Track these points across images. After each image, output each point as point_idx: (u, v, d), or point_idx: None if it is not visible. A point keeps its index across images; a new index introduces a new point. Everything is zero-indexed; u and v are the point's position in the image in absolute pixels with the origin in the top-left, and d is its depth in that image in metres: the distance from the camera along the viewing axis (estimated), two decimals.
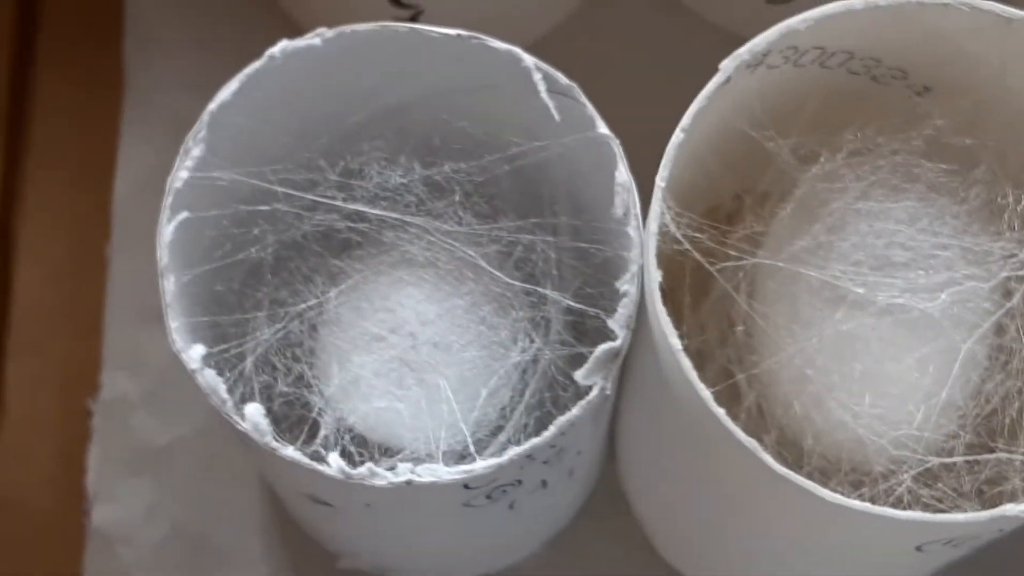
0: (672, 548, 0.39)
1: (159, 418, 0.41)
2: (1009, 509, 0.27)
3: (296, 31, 0.43)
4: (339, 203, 0.31)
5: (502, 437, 0.30)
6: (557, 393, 0.31)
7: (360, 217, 0.31)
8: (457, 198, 0.31)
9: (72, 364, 0.41)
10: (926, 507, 0.29)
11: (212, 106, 0.31)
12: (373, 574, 0.39)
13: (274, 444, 0.28)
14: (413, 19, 0.40)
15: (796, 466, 0.30)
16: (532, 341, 0.31)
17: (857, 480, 0.30)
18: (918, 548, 0.30)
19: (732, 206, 0.34)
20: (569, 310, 0.31)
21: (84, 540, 0.40)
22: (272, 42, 0.44)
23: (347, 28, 0.31)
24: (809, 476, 0.29)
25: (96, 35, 0.43)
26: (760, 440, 0.29)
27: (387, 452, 0.31)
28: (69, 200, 0.42)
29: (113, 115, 0.43)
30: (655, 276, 0.28)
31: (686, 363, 0.28)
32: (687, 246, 0.29)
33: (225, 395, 0.29)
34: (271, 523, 0.40)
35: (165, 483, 0.40)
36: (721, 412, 0.27)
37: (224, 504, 0.40)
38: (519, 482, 0.30)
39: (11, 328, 0.41)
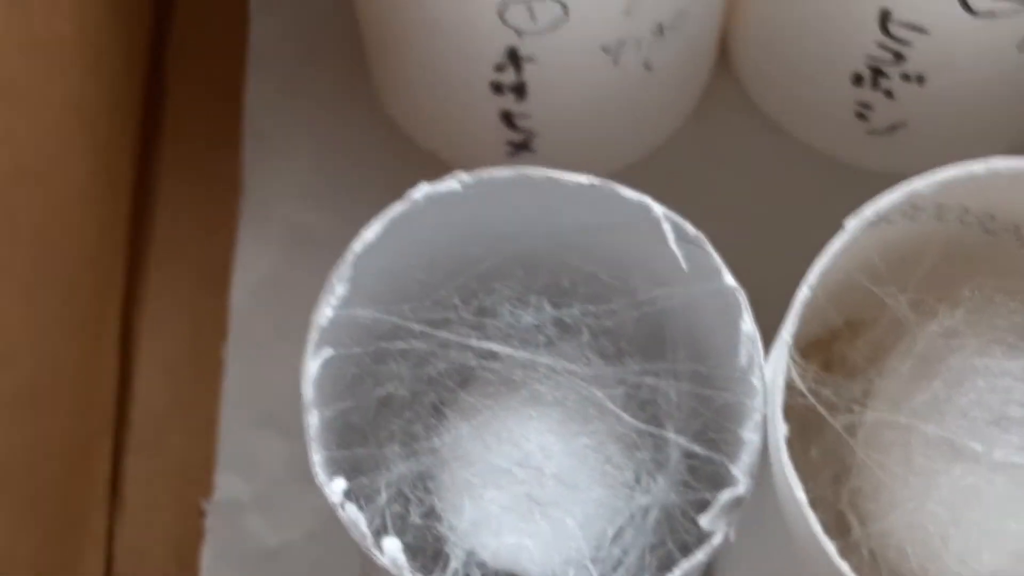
0: None
1: (270, 521, 0.42)
2: None
3: (405, 142, 0.45)
4: (472, 342, 0.32)
5: (623, 573, 0.32)
6: (678, 534, 0.32)
7: (491, 355, 0.33)
8: (585, 339, 0.33)
9: (187, 463, 0.43)
10: None
11: (357, 247, 0.32)
12: None
13: None
14: (526, 142, 0.41)
15: None
16: (654, 482, 0.32)
17: None
18: None
19: (838, 339, 0.35)
20: (690, 453, 0.32)
21: None
22: (381, 149, 0.46)
23: (486, 173, 0.32)
24: None
25: (217, 139, 0.45)
26: None
27: None
28: (187, 301, 0.44)
29: (232, 219, 0.44)
30: (781, 429, 0.30)
31: (812, 517, 0.29)
32: (811, 400, 0.30)
33: (366, 530, 0.30)
34: None
35: None
36: (845, 566, 0.29)
37: None
38: None
39: (130, 425, 0.43)
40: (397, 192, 0.45)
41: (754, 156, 0.44)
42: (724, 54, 0.44)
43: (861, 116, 0.41)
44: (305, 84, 0.45)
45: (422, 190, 0.32)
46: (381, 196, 0.45)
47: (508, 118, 0.40)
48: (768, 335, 0.33)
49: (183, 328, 0.44)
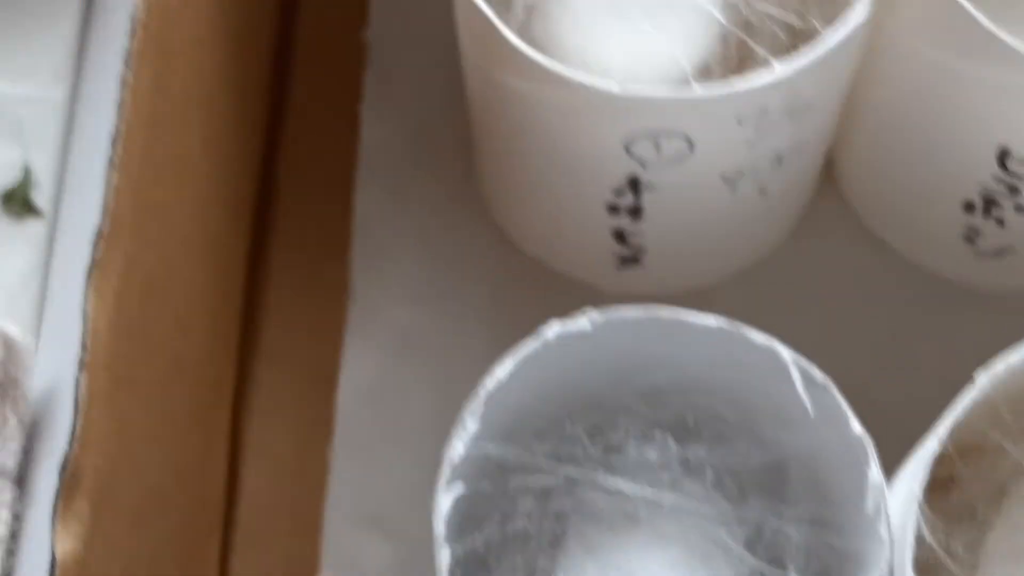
0: None
1: None
2: None
3: (512, 247, 0.46)
4: (599, 479, 0.33)
5: None
6: None
7: (617, 492, 0.33)
8: (709, 478, 0.33)
9: (293, 562, 0.43)
10: None
11: (489, 385, 0.33)
12: None
13: None
14: (635, 256, 0.42)
15: None
16: None
17: None
18: None
19: (947, 462, 0.36)
20: None
21: None
22: (488, 254, 0.46)
23: (615, 312, 0.33)
24: None
25: (326, 243, 0.46)
26: None
27: None
28: (295, 403, 0.45)
29: (340, 322, 0.45)
30: None
31: None
32: (940, 552, 0.30)
33: None
34: None
35: None
36: None
37: None
38: None
39: (237, 524, 0.44)
40: (502, 297, 0.46)
41: (857, 270, 0.45)
42: (829, 170, 0.45)
43: (969, 240, 0.41)
44: (414, 189, 0.46)
45: (553, 329, 0.33)
46: (486, 301, 0.46)
47: (620, 235, 0.41)
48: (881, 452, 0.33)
49: (290, 429, 0.44)
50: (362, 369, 0.45)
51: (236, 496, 0.44)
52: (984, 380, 0.31)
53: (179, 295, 0.39)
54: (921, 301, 0.44)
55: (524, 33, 0.36)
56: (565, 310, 0.45)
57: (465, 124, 0.46)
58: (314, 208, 0.46)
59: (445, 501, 0.32)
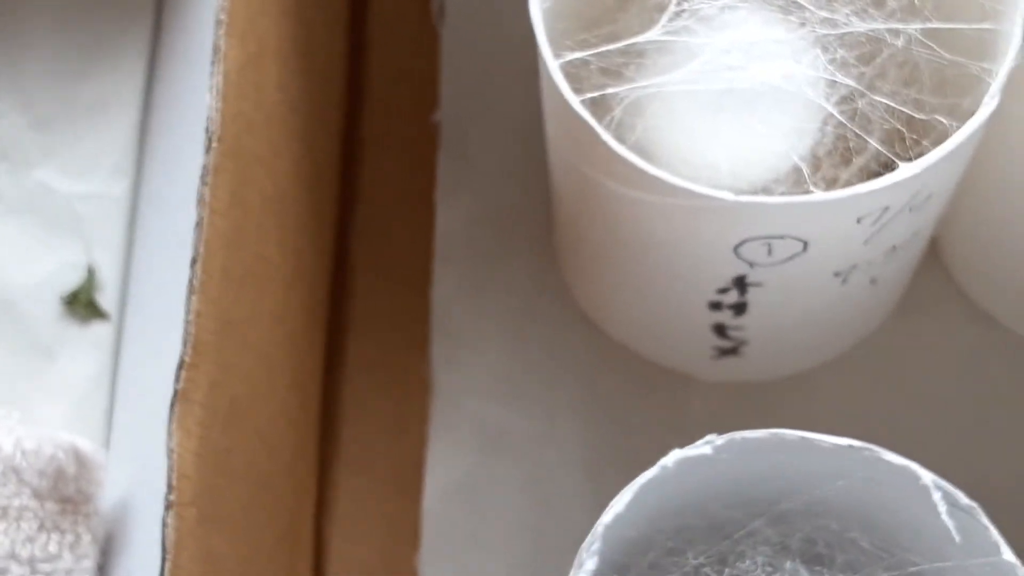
0: None
1: None
2: None
3: (599, 334, 0.44)
4: None
5: None
6: None
7: None
8: None
9: None
10: None
11: (606, 518, 0.30)
12: None
13: None
14: (735, 348, 0.40)
15: None
16: None
17: None
18: None
19: None
20: None
21: None
22: (574, 344, 0.44)
23: (737, 435, 0.31)
24: None
25: (404, 335, 0.44)
26: None
27: None
28: (378, 506, 0.43)
29: (421, 420, 0.43)
30: None
31: None
32: None
33: None
34: None
35: None
36: None
37: None
38: None
39: None
40: (591, 388, 0.44)
41: (963, 345, 0.42)
42: (932, 244, 0.42)
43: None
44: (494, 276, 0.44)
45: (673, 457, 0.31)
46: (574, 392, 0.44)
47: (721, 330, 0.39)
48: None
49: (375, 535, 0.42)
50: (447, 469, 0.42)
51: None
52: None
53: (262, 412, 0.37)
54: None
55: (620, 129, 0.34)
56: (660, 400, 0.43)
57: (544, 207, 0.44)
58: (390, 301, 0.44)
59: None
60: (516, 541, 0.42)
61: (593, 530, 0.31)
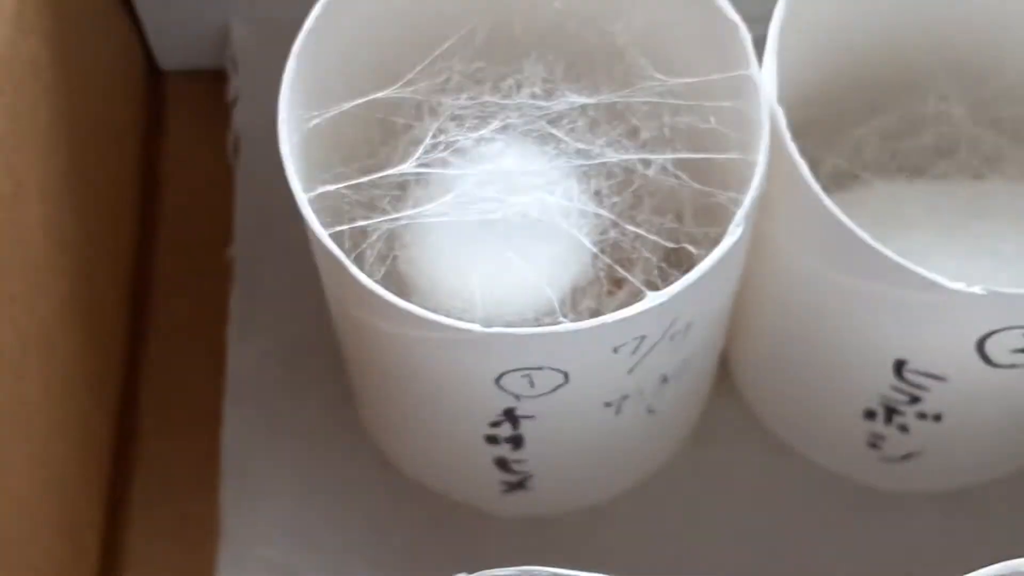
0: None
1: None
2: None
3: (395, 473, 0.43)
4: None
5: None
6: None
7: None
8: None
9: None
10: None
11: None
12: None
13: None
14: (521, 483, 0.39)
15: None
16: None
17: None
18: None
19: None
20: None
21: None
22: (369, 484, 0.43)
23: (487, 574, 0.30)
24: None
25: (192, 478, 0.42)
26: None
27: None
28: None
29: (209, 566, 0.41)
30: None
31: None
32: None
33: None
34: None
35: None
36: None
37: None
38: None
39: None
40: (385, 526, 0.43)
41: (758, 475, 0.42)
42: (725, 373, 0.42)
43: (873, 445, 0.39)
44: (287, 416, 0.43)
45: None
46: (368, 530, 0.43)
47: (504, 464, 0.38)
48: None
49: None
50: None
51: None
52: None
53: (20, 560, 0.36)
54: (827, 504, 0.42)
55: (378, 264, 0.33)
56: (454, 538, 0.42)
57: (338, 343, 0.43)
58: (179, 442, 0.43)
59: None
60: None
61: None
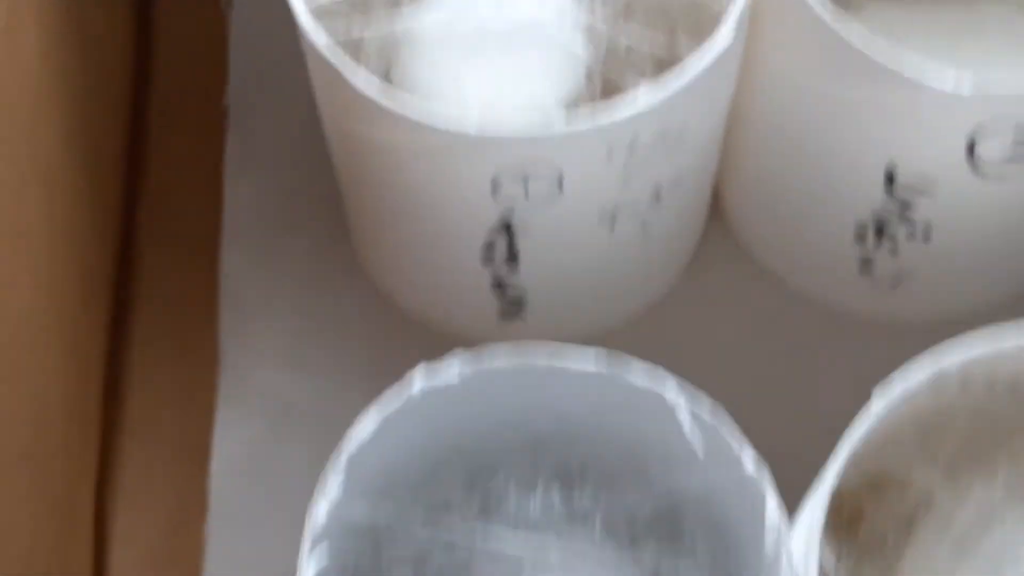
0: None
1: None
2: None
3: (389, 305, 0.43)
4: (478, 540, 0.30)
5: None
6: None
7: (499, 547, 0.31)
8: (598, 527, 0.31)
9: None
10: None
11: (351, 447, 0.30)
12: None
13: None
14: (517, 308, 0.40)
15: None
16: None
17: None
18: None
19: (853, 496, 0.33)
20: None
21: None
22: (364, 313, 0.44)
23: (485, 363, 0.31)
24: None
25: (192, 309, 0.43)
26: None
27: None
28: (164, 479, 0.42)
29: (209, 392, 0.42)
30: None
31: None
32: None
33: None
34: None
35: None
36: None
37: None
38: None
39: None
40: (381, 359, 0.44)
41: (751, 308, 0.43)
42: (717, 207, 0.43)
43: (864, 270, 0.40)
44: (283, 250, 0.43)
45: (418, 383, 0.31)
46: (364, 363, 0.44)
47: (499, 285, 0.39)
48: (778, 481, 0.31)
49: (160, 508, 0.42)
50: (235, 439, 0.42)
51: None
52: (880, 405, 0.29)
53: (26, 371, 0.36)
54: (819, 336, 0.42)
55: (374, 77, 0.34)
56: None
57: (331, 183, 0.43)
58: (178, 275, 0.43)
59: (309, 566, 0.29)
60: (304, 510, 0.41)
61: (336, 457, 0.30)
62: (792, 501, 0.32)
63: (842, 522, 0.32)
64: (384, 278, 0.42)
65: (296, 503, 0.42)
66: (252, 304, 0.43)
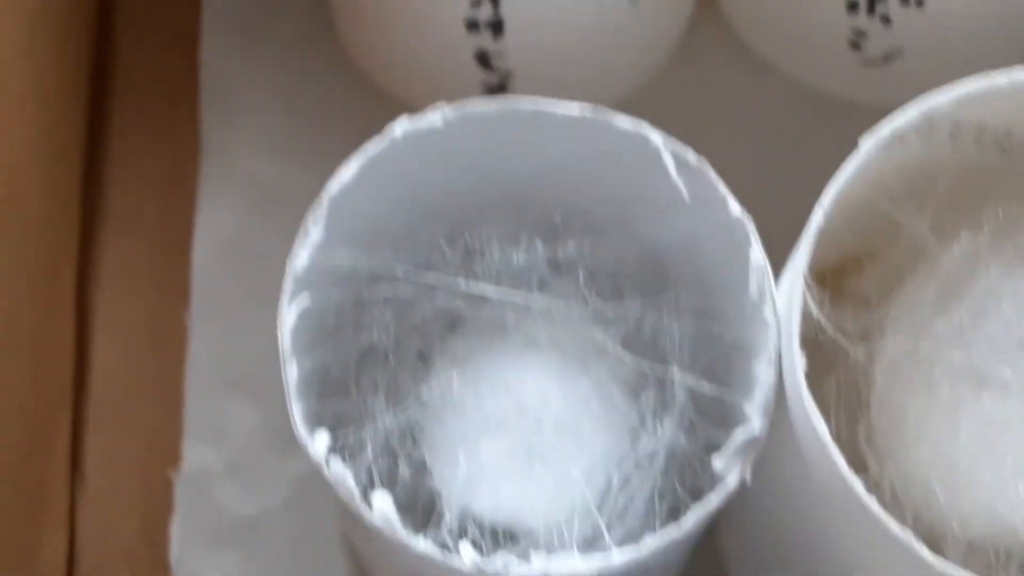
0: None
1: (244, 489, 0.40)
2: None
3: (373, 90, 0.43)
4: (460, 285, 0.30)
5: (631, 522, 0.30)
6: (689, 479, 0.30)
7: (481, 298, 0.30)
8: (581, 278, 0.30)
9: (153, 435, 0.40)
10: None
11: (332, 189, 0.30)
12: None
13: (406, 538, 0.28)
14: (503, 82, 0.39)
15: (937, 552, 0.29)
16: (661, 424, 0.30)
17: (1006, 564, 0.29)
18: None
19: (851, 264, 0.33)
20: (698, 393, 0.30)
21: None
22: (348, 100, 0.43)
23: (468, 107, 0.30)
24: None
25: (172, 95, 0.42)
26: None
27: (512, 537, 0.30)
28: (147, 267, 0.41)
29: (190, 179, 0.42)
30: (799, 364, 0.28)
31: (837, 455, 0.27)
32: (830, 332, 0.28)
33: (353, 487, 0.28)
34: None
35: (251, 556, 0.39)
36: (874, 504, 0.27)
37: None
38: (648, 567, 0.30)
39: (89, 398, 0.40)
40: (364, 142, 0.43)
41: (741, 93, 0.42)
42: None
43: (855, 45, 0.39)
44: (264, 34, 0.42)
45: (401, 126, 0.30)
46: (348, 149, 0.43)
47: (484, 58, 0.38)
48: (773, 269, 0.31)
49: (143, 294, 0.41)
50: (218, 227, 0.41)
51: (87, 368, 0.41)
52: (869, 145, 0.29)
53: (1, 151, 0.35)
54: (810, 119, 0.42)
55: None
56: None
57: None
58: (156, 58, 0.43)
59: (290, 314, 0.29)
60: None
61: (319, 200, 0.30)
62: (777, 266, 0.31)
63: (831, 276, 0.32)
64: (368, 58, 0.42)
65: (279, 288, 0.42)
66: (233, 91, 0.42)
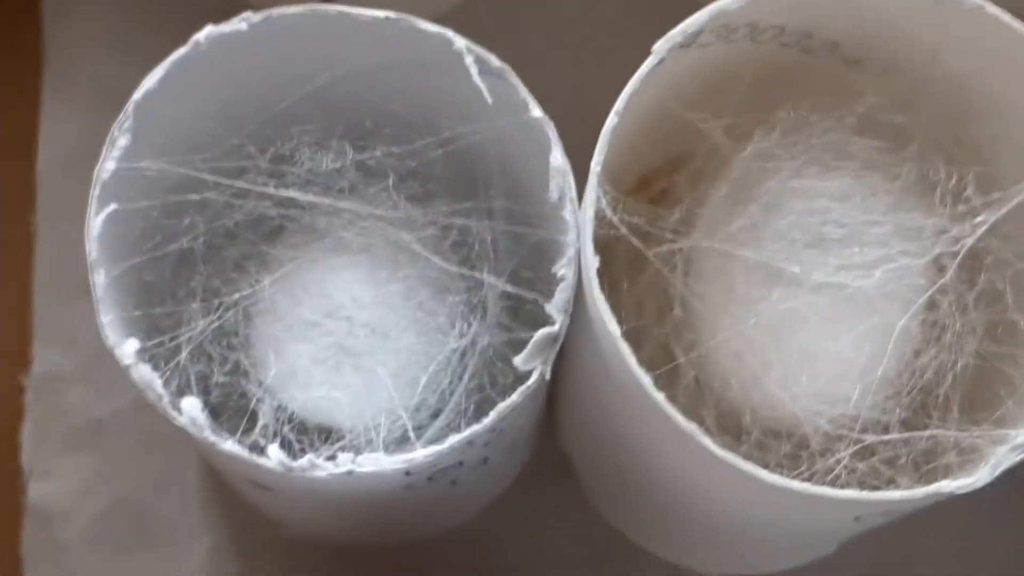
0: (611, 510, 0.39)
1: (95, 392, 0.40)
2: (944, 486, 0.28)
3: None
4: (270, 190, 0.31)
5: (441, 421, 0.31)
6: (495, 376, 0.31)
7: (292, 203, 0.31)
8: (390, 182, 0.31)
9: (2, 340, 0.41)
10: (863, 482, 0.29)
11: (137, 95, 0.30)
12: (313, 541, 0.40)
13: (213, 438, 0.28)
14: None
15: (735, 440, 0.31)
16: (469, 325, 0.31)
17: (795, 454, 0.30)
18: (856, 519, 0.30)
19: (660, 176, 0.34)
20: (506, 293, 0.31)
21: (21, 517, 0.40)
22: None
23: (274, 12, 0.30)
24: (748, 452, 0.30)
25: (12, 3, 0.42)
26: (699, 415, 0.29)
27: (328, 437, 0.31)
28: None
29: (33, 83, 0.42)
30: (592, 263, 0.28)
31: (625, 349, 0.28)
32: (624, 231, 0.29)
33: (161, 390, 0.28)
34: (211, 495, 0.40)
35: (103, 457, 0.40)
36: (660, 397, 0.27)
37: (164, 476, 0.40)
38: (460, 464, 0.31)
39: None
40: None
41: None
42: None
43: None
44: None
45: (205, 32, 0.30)
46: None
47: None
48: (584, 174, 0.31)
49: None
50: (63, 130, 0.41)
51: None
52: (662, 47, 0.29)
53: None
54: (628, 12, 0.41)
55: None
56: None
57: None
58: None
59: (96, 222, 0.29)
60: None
61: (125, 108, 0.30)
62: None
63: (644, 195, 0.32)
64: None
65: None
66: None
